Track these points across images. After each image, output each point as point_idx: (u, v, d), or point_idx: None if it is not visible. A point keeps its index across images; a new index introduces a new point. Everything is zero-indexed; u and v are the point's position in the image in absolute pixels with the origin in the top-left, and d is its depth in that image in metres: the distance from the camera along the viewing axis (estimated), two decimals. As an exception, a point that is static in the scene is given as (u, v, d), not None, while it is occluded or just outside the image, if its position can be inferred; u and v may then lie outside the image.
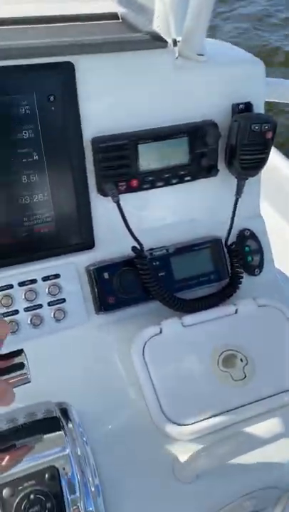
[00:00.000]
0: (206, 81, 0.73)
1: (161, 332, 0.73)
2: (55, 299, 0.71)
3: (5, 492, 0.47)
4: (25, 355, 0.47)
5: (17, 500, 0.47)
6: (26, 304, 0.70)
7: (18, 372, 0.45)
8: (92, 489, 0.54)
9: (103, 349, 0.72)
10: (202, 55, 0.73)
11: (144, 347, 0.71)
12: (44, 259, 0.72)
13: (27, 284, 0.70)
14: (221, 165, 0.77)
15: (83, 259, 0.74)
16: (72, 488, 0.51)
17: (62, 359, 0.69)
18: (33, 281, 0.70)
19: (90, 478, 0.55)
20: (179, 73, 0.71)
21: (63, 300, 0.72)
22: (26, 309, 0.69)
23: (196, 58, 0.73)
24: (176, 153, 0.73)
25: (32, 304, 0.70)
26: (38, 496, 0.48)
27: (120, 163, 0.69)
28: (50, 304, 0.71)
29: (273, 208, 1.25)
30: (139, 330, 0.72)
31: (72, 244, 0.73)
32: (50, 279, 0.71)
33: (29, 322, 0.69)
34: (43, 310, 0.71)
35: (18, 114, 0.62)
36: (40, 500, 0.48)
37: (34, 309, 0.70)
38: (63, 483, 0.50)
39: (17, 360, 0.46)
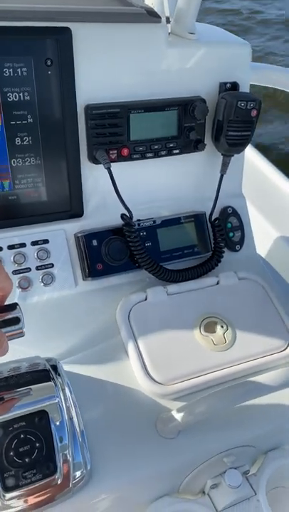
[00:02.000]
0: (195, 58, 0.76)
1: (146, 299, 0.75)
2: (43, 263, 0.73)
3: None
4: (20, 309, 0.48)
5: (7, 440, 0.48)
6: (15, 267, 0.71)
7: (14, 327, 0.46)
8: (80, 439, 0.56)
9: (90, 313, 0.73)
10: (193, 33, 0.76)
11: (129, 312, 0.73)
12: (34, 225, 0.73)
13: (16, 248, 0.71)
14: (208, 141, 0.80)
15: (72, 227, 0.75)
16: (61, 434, 0.52)
17: (49, 321, 0.71)
18: (22, 245, 0.72)
19: (78, 429, 0.56)
20: (171, 49, 0.74)
21: (51, 265, 0.73)
22: (15, 272, 0.70)
23: (187, 36, 0.76)
24: (166, 126, 0.75)
25: (20, 267, 0.71)
26: (28, 436, 0.49)
27: (112, 131, 0.71)
28: (38, 268, 0.72)
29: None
30: (125, 296, 0.74)
31: (61, 211, 0.74)
32: (39, 244, 0.73)
33: (17, 285, 0.70)
34: (31, 273, 0.72)
35: (15, 76, 0.63)
36: (31, 441, 0.49)
37: (22, 272, 0.71)
38: (53, 427, 0.51)
39: (13, 314, 0.47)
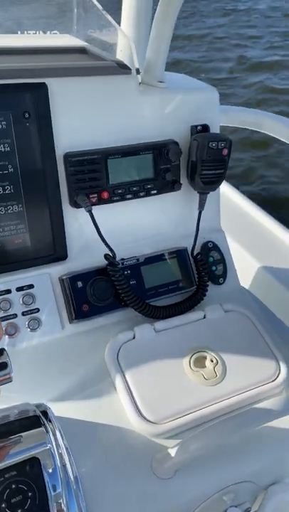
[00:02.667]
0: (166, 105, 0.81)
1: (134, 337, 0.75)
2: (29, 308, 0.73)
3: None
4: (7, 354, 0.48)
5: None
6: (1, 314, 0.71)
7: (1, 372, 0.46)
8: (74, 487, 0.54)
9: (78, 356, 0.73)
10: (162, 81, 0.81)
11: (118, 352, 0.73)
12: (18, 270, 0.74)
13: (1, 294, 0.71)
14: (184, 180, 0.84)
15: (57, 270, 0.76)
16: (54, 482, 0.51)
17: (37, 367, 0.70)
18: (8, 291, 0.72)
19: (71, 476, 0.55)
20: (143, 97, 0.78)
21: (37, 310, 0.73)
22: (1, 318, 0.70)
23: (157, 85, 0.82)
24: (143, 168, 0.79)
25: (6, 314, 0.71)
26: (20, 485, 0.48)
27: (91, 176, 0.74)
28: (24, 313, 0.72)
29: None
30: (112, 336, 0.74)
31: (45, 256, 0.76)
32: (24, 289, 0.73)
33: (3, 331, 0.70)
34: (17, 319, 0.72)
35: (-6, 129, 0.66)
36: (23, 490, 0.48)
37: (9, 319, 0.71)
38: (45, 474, 0.50)
39: (0, 359, 0.47)
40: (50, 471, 0.51)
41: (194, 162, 0.81)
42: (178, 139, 0.81)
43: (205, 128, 0.84)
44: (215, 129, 0.86)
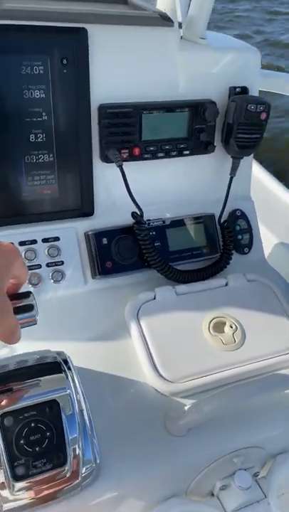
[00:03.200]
0: (206, 62, 0.78)
1: (154, 298, 0.75)
2: (53, 260, 0.73)
3: (6, 420, 0.48)
4: (33, 297, 0.48)
5: (18, 428, 0.48)
6: (26, 263, 0.71)
7: (27, 314, 0.46)
8: (90, 434, 0.55)
9: (99, 311, 0.73)
10: (204, 38, 0.78)
11: (138, 310, 0.73)
12: (45, 222, 0.74)
13: (27, 244, 0.71)
14: (218, 144, 0.81)
15: (83, 225, 0.76)
16: (71, 426, 0.51)
17: (58, 318, 0.70)
18: (33, 241, 0.72)
19: (88, 423, 0.55)
20: (183, 53, 0.75)
21: (61, 262, 0.73)
22: None
23: (199, 41, 0.78)
24: (177, 127, 0.77)
25: (31, 264, 0.71)
26: (39, 425, 0.48)
27: (124, 131, 0.72)
28: (48, 264, 0.72)
29: None
30: (133, 295, 0.74)
31: (72, 210, 0.75)
32: (50, 241, 0.73)
33: (27, 281, 0.70)
34: (41, 270, 0.72)
35: (31, 74, 0.64)
36: (41, 430, 0.48)
37: (33, 269, 0.71)
38: (63, 417, 0.50)
39: (26, 301, 0.47)
40: (69, 414, 0.51)
41: (230, 124, 0.78)
42: (215, 99, 0.79)
43: (244, 90, 0.81)
44: (254, 92, 0.82)
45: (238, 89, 0.80)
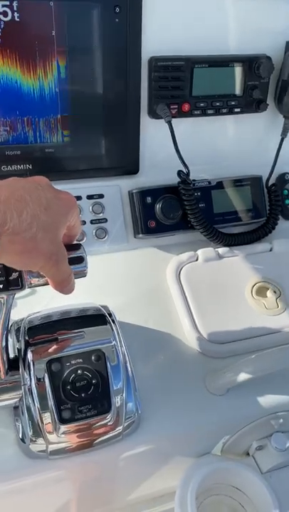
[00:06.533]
0: (262, 14, 0.73)
1: (197, 260, 0.74)
2: (97, 217, 0.73)
3: (54, 366, 0.49)
4: (84, 249, 0.48)
5: (65, 374, 0.49)
6: None
7: (79, 265, 0.47)
8: (132, 386, 0.56)
9: (140, 269, 0.73)
10: (262, -13, 0.73)
11: (180, 270, 0.72)
12: (90, 179, 0.73)
13: None
14: (270, 103, 0.78)
15: (127, 183, 0.75)
16: (116, 376, 0.52)
17: (101, 275, 0.71)
18: (78, 197, 0.72)
19: (131, 375, 0.56)
20: (238, 3, 0.71)
21: (105, 220, 0.73)
22: None
23: (256, -9, 0.73)
24: (229, 82, 0.73)
25: (75, 220, 0.71)
26: (85, 372, 0.50)
27: (175, 85, 0.70)
28: (92, 221, 0.73)
29: None
30: (175, 256, 0.74)
31: (117, 167, 0.74)
32: (94, 198, 0.73)
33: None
34: (85, 227, 0.72)
35: (82, 20, 0.62)
36: (87, 377, 0.50)
37: None
38: (109, 367, 0.51)
39: (78, 253, 0.47)
40: (114, 365, 0.52)
41: (285, 81, 0.74)
42: (271, 54, 0.74)
43: (302, 45, 0.76)
44: (312, 48, 0.78)
45: (295, 44, 0.76)
